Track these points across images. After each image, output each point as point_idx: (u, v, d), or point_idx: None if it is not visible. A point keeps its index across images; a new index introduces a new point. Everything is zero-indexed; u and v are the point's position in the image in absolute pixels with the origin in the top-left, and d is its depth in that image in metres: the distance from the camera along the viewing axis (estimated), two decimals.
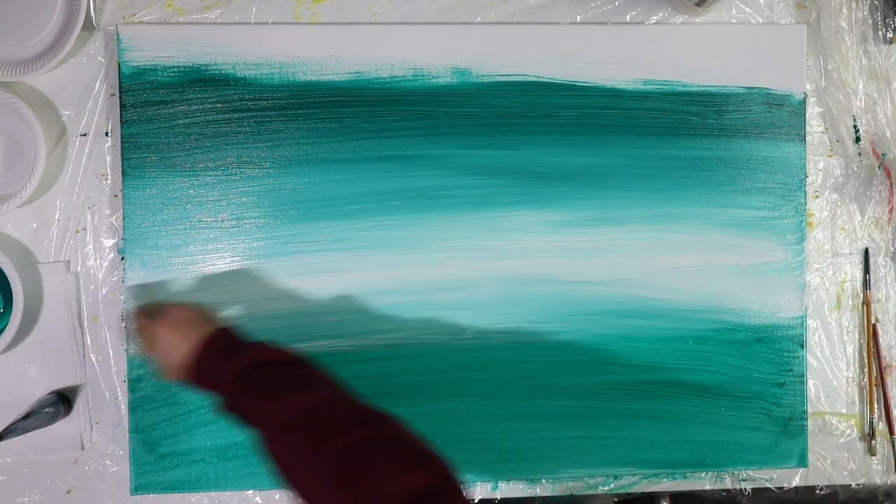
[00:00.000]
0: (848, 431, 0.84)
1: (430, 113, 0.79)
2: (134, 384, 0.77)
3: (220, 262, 0.78)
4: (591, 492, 0.82)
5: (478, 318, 0.79)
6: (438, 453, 0.50)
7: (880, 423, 0.84)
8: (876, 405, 0.84)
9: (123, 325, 0.77)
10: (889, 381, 0.84)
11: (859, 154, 0.83)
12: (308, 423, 0.54)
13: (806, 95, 0.83)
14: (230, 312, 0.78)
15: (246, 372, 0.60)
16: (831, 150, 0.85)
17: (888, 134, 0.83)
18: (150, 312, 0.70)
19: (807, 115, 0.83)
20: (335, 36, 0.79)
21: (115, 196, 0.78)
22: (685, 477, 0.82)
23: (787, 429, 0.82)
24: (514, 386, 0.80)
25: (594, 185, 0.80)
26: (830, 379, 0.84)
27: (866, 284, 0.84)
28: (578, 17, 0.81)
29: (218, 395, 0.61)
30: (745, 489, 0.83)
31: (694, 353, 0.81)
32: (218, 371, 0.61)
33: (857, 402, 0.84)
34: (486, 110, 0.79)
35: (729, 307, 0.81)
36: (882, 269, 0.85)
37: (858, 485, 0.84)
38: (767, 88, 0.82)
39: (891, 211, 0.84)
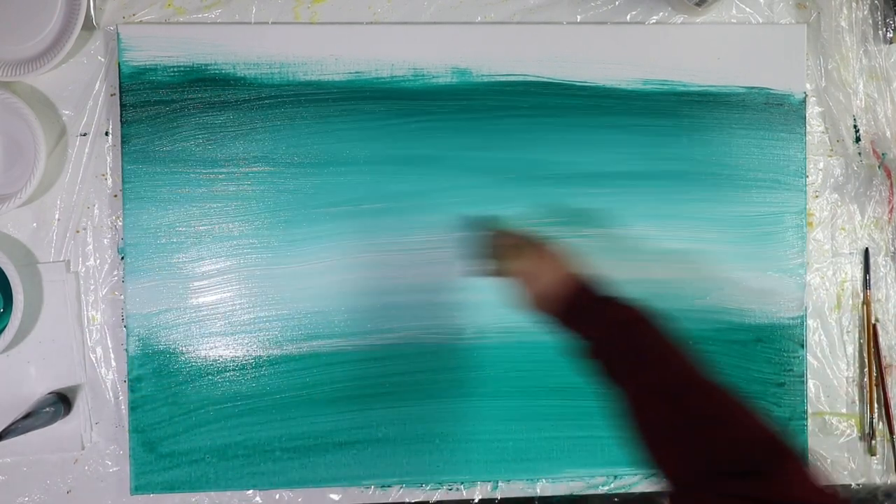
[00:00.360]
0: (848, 431, 0.84)
1: (430, 113, 0.79)
2: (134, 384, 0.77)
3: (220, 261, 0.78)
4: (591, 492, 0.82)
5: (478, 318, 0.79)
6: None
7: (880, 423, 0.84)
8: (876, 405, 0.84)
9: (123, 323, 0.77)
10: (889, 381, 0.84)
11: (859, 154, 0.83)
12: (681, 401, 0.52)
13: (806, 95, 0.83)
14: (230, 312, 0.78)
15: (626, 325, 0.59)
16: (831, 149, 0.85)
17: (888, 134, 0.83)
18: (518, 238, 0.69)
19: (807, 115, 0.83)
20: (335, 36, 0.79)
21: (115, 196, 0.78)
22: None
23: (787, 429, 0.81)
24: (514, 386, 0.80)
25: (594, 184, 0.80)
26: (830, 379, 0.84)
27: (866, 284, 0.84)
28: (578, 17, 0.81)
29: (587, 339, 0.60)
30: None
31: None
32: (593, 316, 0.60)
33: (857, 402, 0.84)
34: (486, 110, 0.79)
35: (729, 307, 0.81)
36: (882, 269, 0.85)
37: (858, 485, 0.84)
38: (767, 88, 0.82)
39: (891, 211, 0.84)
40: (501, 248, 0.70)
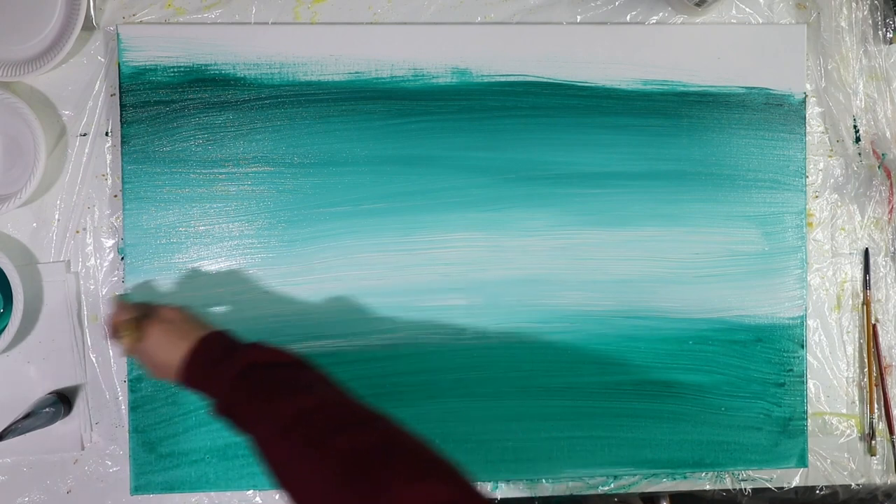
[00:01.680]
0: (848, 431, 0.84)
1: (430, 113, 0.79)
2: (134, 384, 0.77)
3: (220, 261, 0.78)
4: (591, 492, 0.82)
5: (478, 318, 0.79)
6: (452, 461, 0.49)
7: (880, 423, 0.84)
8: (876, 405, 0.84)
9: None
10: (889, 381, 0.84)
11: (859, 154, 0.84)
12: (309, 424, 0.52)
13: (806, 95, 0.83)
14: (230, 312, 0.78)
15: (242, 374, 0.58)
16: (831, 150, 0.85)
17: (888, 134, 0.83)
18: (137, 310, 0.68)
19: (807, 115, 0.83)
20: (335, 36, 0.79)
21: (115, 196, 0.78)
22: (685, 477, 0.82)
23: (787, 429, 0.82)
24: (514, 386, 0.80)
25: (593, 185, 0.80)
26: (830, 379, 0.84)
27: (866, 284, 0.84)
28: (578, 17, 0.82)
29: (211, 397, 0.60)
30: (745, 489, 0.83)
31: (694, 353, 0.81)
32: (212, 373, 0.60)
33: (857, 402, 0.84)
34: (486, 110, 0.79)
35: (729, 307, 0.81)
36: (882, 269, 0.85)
37: (858, 485, 0.84)
38: (767, 88, 0.82)
39: (891, 211, 0.84)
40: (118, 326, 0.67)
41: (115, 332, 0.67)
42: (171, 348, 0.63)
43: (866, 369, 0.84)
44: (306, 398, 0.55)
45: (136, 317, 0.66)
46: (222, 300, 0.77)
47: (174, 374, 0.63)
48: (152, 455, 0.77)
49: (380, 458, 0.48)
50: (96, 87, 0.78)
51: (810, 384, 0.83)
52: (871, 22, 0.82)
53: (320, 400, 0.55)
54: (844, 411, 0.84)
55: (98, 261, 0.78)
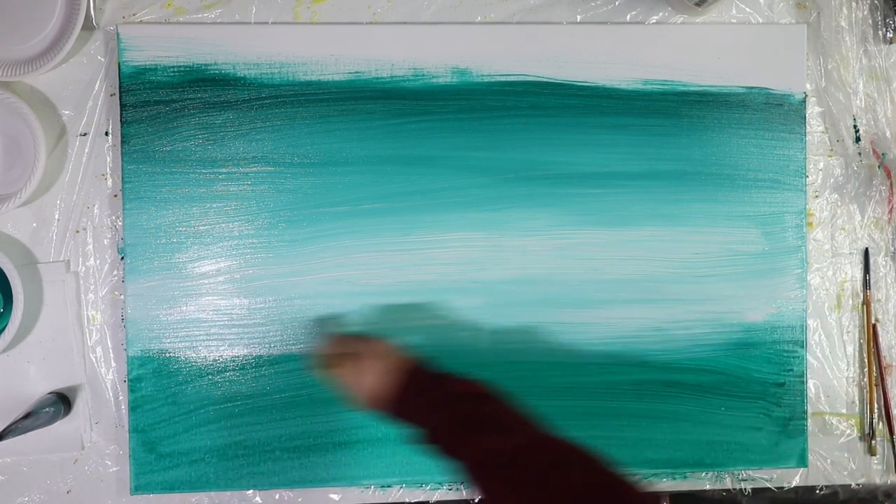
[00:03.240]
0: (848, 431, 0.84)
1: (430, 113, 0.79)
2: (134, 384, 0.77)
3: (220, 261, 0.78)
4: None
5: (477, 318, 0.79)
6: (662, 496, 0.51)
7: (880, 423, 0.84)
8: (876, 405, 0.84)
9: (123, 323, 0.77)
10: (889, 381, 0.84)
11: (859, 154, 0.83)
12: (526, 462, 0.53)
13: (806, 95, 0.83)
14: (230, 313, 0.78)
15: (452, 406, 0.60)
16: (831, 150, 0.85)
17: (888, 134, 0.83)
18: (351, 345, 0.71)
19: (807, 115, 0.83)
20: (335, 36, 0.79)
21: (115, 196, 0.78)
22: (685, 477, 0.82)
23: (787, 429, 0.82)
24: (515, 386, 0.79)
25: (593, 185, 0.80)
26: (830, 379, 0.84)
27: (866, 284, 0.84)
28: (578, 17, 0.81)
29: (423, 427, 0.61)
30: (745, 489, 0.83)
31: (694, 352, 0.81)
32: (421, 406, 0.62)
33: (857, 402, 0.84)
34: (486, 110, 0.79)
35: (729, 307, 0.81)
36: (882, 269, 0.85)
37: (858, 485, 0.84)
38: (767, 88, 0.82)
39: (891, 211, 0.84)
40: (327, 358, 0.70)
41: (329, 365, 0.70)
42: (380, 381, 0.65)
43: (866, 369, 0.84)
44: (518, 435, 0.57)
45: (341, 350, 0.70)
46: (222, 300, 0.77)
47: (385, 405, 0.65)
48: (152, 455, 0.77)
49: (602, 498, 0.49)
50: (96, 86, 0.78)
51: (810, 384, 0.83)
52: (871, 22, 0.82)
53: (532, 437, 0.57)
54: (844, 411, 0.84)
55: (98, 261, 0.78)
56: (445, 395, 0.61)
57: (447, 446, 0.59)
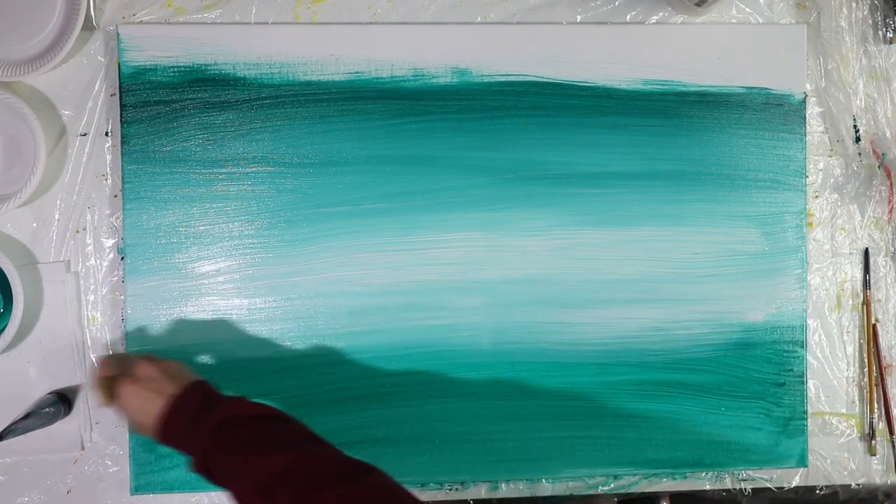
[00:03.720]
0: (848, 431, 0.84)
1: (430, 113, 0.79)
2: None
3: (220, 261, 0.78)
4: (591, 492, 0.82)
5: (477, 318, 0.79)
6: None
7: (880, 423, 0.84)
8: (876, 405, 0.84)
9: (123, 323, 0.77)
10: (889, 381, 0.84)
11: (859, 154, 0.83)
12: (290, 482, 0.52)
13: (806, 95, 0.83)
14: (230, 313, 0.78)
15: (217, 430, 0.58)
16: (831, 150, 0.85)
17: (888, 134, 0.83)
18: (115, 368, 0.68)
19: (807, 115, 0.83)
20: (335, 36, 0.79)
21: (115, 196, 0.78)
22: (685, 477, 0.82)
23: (787, 429, 0.82)
24: (515, 386, 0.80)
25: (593, 185, 0.80)
26: (830, 379, 0.84)
27: (866, 284, 0.84)
28: (578, 17, 0.82)
29: (188, 454, 0.60)
30: (745, 489, 0.83)
31: (694, 352, 0.81)
32: (187, 431, 0.60)
33: (857, 402, 0.84)
34: (486, 110, 0.79)
35: (729, 307, 0.81)
36: (882, 269, 0.85)
37: (858, 485, 0.84)
38: (767, 88, 0.82)
39: (891, 211, 0.84)
40: (101, 381, 0.68)
41: (102, 387, 0.68)
42: (146, 406, 0.63)
43: (866, 369, 0.84)
44: (286, 454, 0.55)
45: (112, 375, 0.67)
46: (222, 300, 0.77)
47: (151, 432, 0.63)
48: (152, 455, 0.77)
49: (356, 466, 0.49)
50: (96, 86, 0.78)
51: (810, 384, 0.83)
52: (871, 22, 0.82)
53: (301, 455, 0.55)
54: (844, 411, 0.84)
55: (98, 261, 0.78)
56: (218, 421, 0.59)
57: (217, 473, 0.58)
